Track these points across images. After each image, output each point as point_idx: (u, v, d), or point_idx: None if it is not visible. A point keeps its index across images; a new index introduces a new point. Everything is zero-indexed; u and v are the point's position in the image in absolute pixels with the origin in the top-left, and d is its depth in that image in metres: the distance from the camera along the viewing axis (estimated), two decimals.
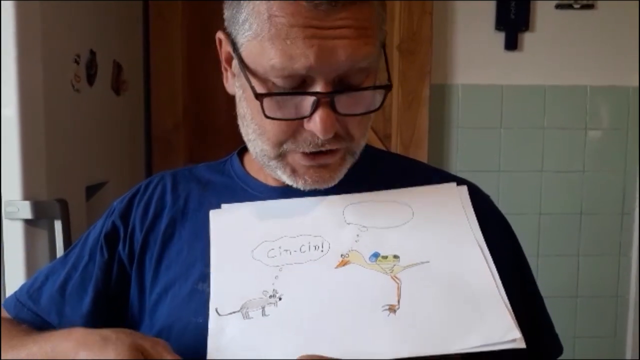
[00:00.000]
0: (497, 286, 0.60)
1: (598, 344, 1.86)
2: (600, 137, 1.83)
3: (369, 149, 0.80)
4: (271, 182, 0.74)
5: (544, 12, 1.78)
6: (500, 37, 1.78)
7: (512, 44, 1.78)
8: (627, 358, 1.87)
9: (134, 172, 1.66)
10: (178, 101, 1.78)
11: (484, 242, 0.65)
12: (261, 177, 0.75)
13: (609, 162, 1.83)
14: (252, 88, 0.63)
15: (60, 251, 1.10)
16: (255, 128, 0.67)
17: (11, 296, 0.79)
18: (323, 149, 0.64)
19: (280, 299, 0.60)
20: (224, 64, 0.71)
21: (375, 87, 0.64)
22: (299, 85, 0.62)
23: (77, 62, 1.27)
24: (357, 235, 0.66)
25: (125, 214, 0.76)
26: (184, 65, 1.78)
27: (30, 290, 0.77)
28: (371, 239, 0.65)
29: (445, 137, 1.82)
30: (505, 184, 1.81)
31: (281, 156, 0.67)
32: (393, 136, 1.81)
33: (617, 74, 1.80)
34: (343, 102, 0.62)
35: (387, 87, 0.65)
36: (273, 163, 0.68)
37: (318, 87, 0.61)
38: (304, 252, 0.65)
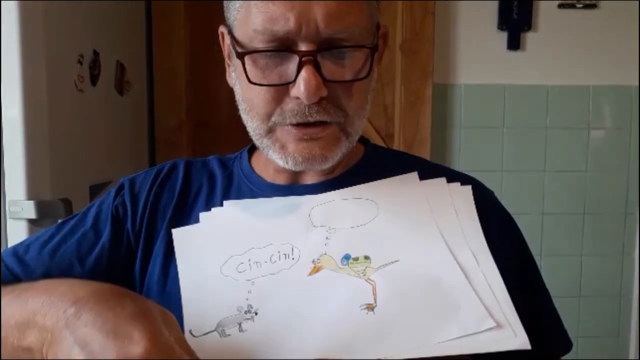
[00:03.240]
0: (467, 277, 0.59)
1: (601, 343, 1.86)
2: (603, 137, 1.82)
3: (372, 146, 0.80)
4: (274, 180, 0.74)
5: (546, 12, 1.78)
6: (503, 36, 1.78)
7: (514, 44, 1.78)
8: (630, 358, 1.87)
9: (137, 172, 1.66)
10: (181, 101, 1.78)
11: (483, 246, 0.63)
12: (265, 175, 0.75)
13: (612, 162, 1.83)
14: (236, 51, 0.63)
15: None
16: (245, 106, 0.67)
17: None
18: (310, 119, 0.62)
19: (256, 313, 0.59)
20: (226, 60, 0.71)
21: (358, 46, 0.62)
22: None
23: (80, 62, 1.27)
24: (327, 238, 0.64)
25: (136, 194, 0.75)
26: (186, 65, 1.78)
27: (16, 248, 0.71)
28: (340, 241, 0.64)
29: (448, 136, 1.82)
30: (507, 183, 1.81)
31: (271, 131, 0.65)
32: (395, 136, 1.81)
33: (620, 73, 1.80)
34: (329, 68, 0.62)
35: (372, 48, 0.63)
36: (265, 142, 0.66)
37: (301, 49, 0.61)
38: (274, 262, 0.63)
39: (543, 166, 1.82)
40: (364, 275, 0.60)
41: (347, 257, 0.62)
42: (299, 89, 0.60)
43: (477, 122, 1.81)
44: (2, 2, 1.02)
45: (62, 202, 1.10)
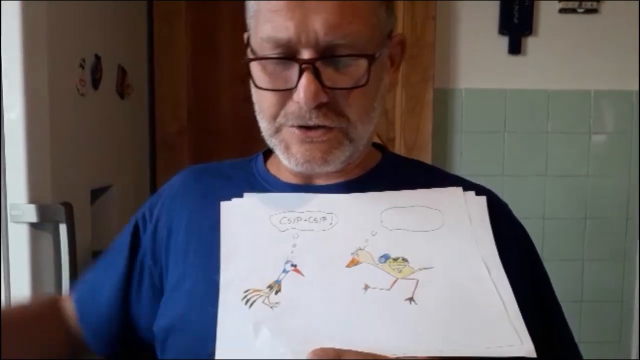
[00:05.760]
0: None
1: (602, 349, 1.85)
2: (604, 142, 1.82)
3: (389, 154, 0.82)
4: (289, 179, 0.75)
5: (547, 17, 1.78)
6: (504, 41, 1.78)
7: (515, 48, 1.78)
8: None
9: (139, 176, 1.66)
10: (182, 105, 1.78)
11: (494, 256, 0.64)
12: (280, 175, 0.76)
13: (613, 167, 1.82)
14: (246, 57, 0.68)
15: (65, 255, 1.11)
16: (256, 108, 0.71)
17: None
18: (310, 122, 0.65)
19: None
20: None
21: (355, 55, 0.64)
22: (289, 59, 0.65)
23: (82, 66, 1.27)
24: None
25: (153, 205, 0.79)
26: (188, 70, 1.78)
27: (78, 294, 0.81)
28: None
29: (449, 141, 1.82)
30: (509, 188, 1.81)
31: (277, 132, 0.69)
32: (396, 140, 1.81)
33: (621, 78, 1.80)
34: (329, 75, 0.64)
35: (369, 57, 0.65)
36: (273, 141, 0.70)
37: (302, 57, 0.64)
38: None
39: (544, 171, 1.82)
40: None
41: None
42: (299, 94, 0.63)
43: (478, 126, 1.81)
44: (3, 5, 1.03)
45: (63, 206, 1.10)
